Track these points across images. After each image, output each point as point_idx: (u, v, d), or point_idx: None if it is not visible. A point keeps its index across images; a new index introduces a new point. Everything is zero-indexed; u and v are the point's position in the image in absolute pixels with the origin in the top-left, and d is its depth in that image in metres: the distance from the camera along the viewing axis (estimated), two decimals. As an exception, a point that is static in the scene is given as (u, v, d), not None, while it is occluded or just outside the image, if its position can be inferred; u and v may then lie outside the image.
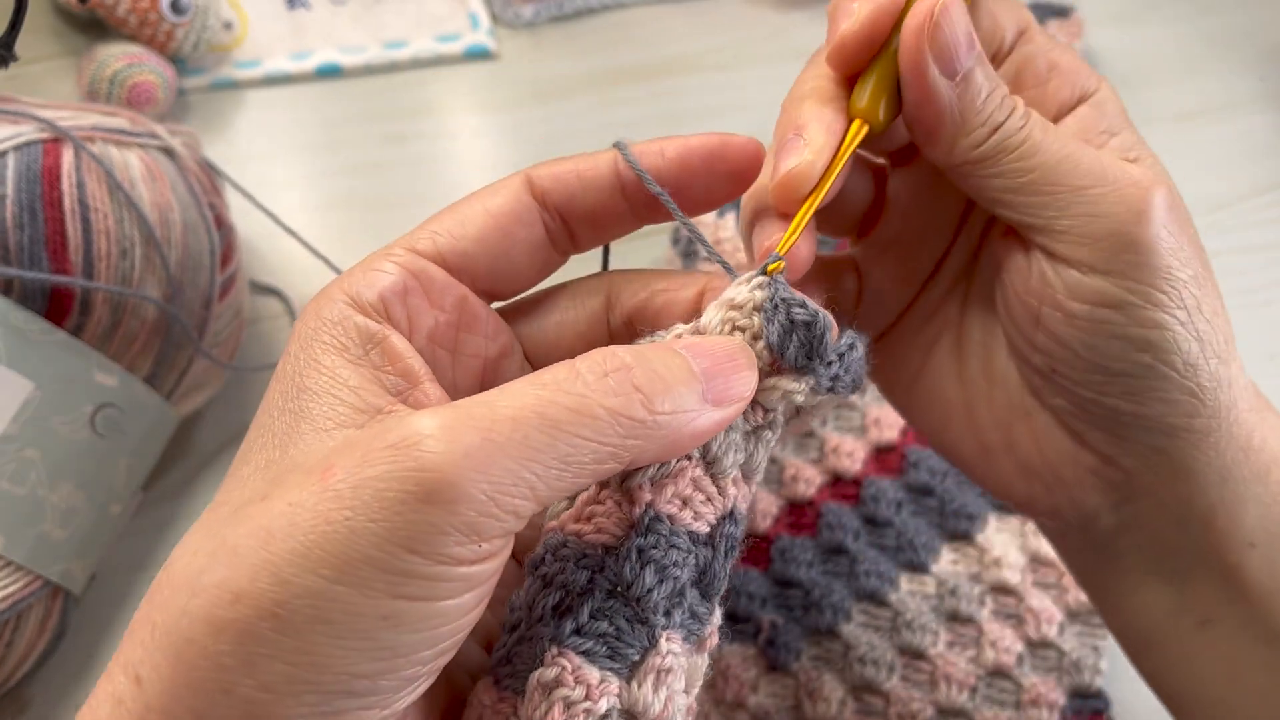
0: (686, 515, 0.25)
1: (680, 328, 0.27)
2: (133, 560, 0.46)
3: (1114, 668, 0.45)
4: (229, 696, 0.20)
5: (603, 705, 0.23)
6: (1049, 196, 0.29)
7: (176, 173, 0.45)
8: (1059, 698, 0.44)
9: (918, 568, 0.47)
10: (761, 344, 0.27)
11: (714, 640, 0.26)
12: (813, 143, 0.29)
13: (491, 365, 0.29)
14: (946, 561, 0.47)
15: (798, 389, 0.27)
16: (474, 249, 0.28)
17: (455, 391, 0.27)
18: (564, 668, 0.23)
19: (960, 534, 0.48)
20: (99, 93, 0.55)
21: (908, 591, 0.46)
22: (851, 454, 0.50)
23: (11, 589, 0.38)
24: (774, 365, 0.27)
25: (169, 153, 0.45)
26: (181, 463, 0.49)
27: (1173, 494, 0.31)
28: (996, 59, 0.32)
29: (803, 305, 0.27)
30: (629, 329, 0.30)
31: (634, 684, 0.23)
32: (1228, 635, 0.31)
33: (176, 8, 0.58)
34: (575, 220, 0.29)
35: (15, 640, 0.39)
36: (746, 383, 0.26)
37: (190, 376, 0.46)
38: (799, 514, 0.49)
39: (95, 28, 0.60)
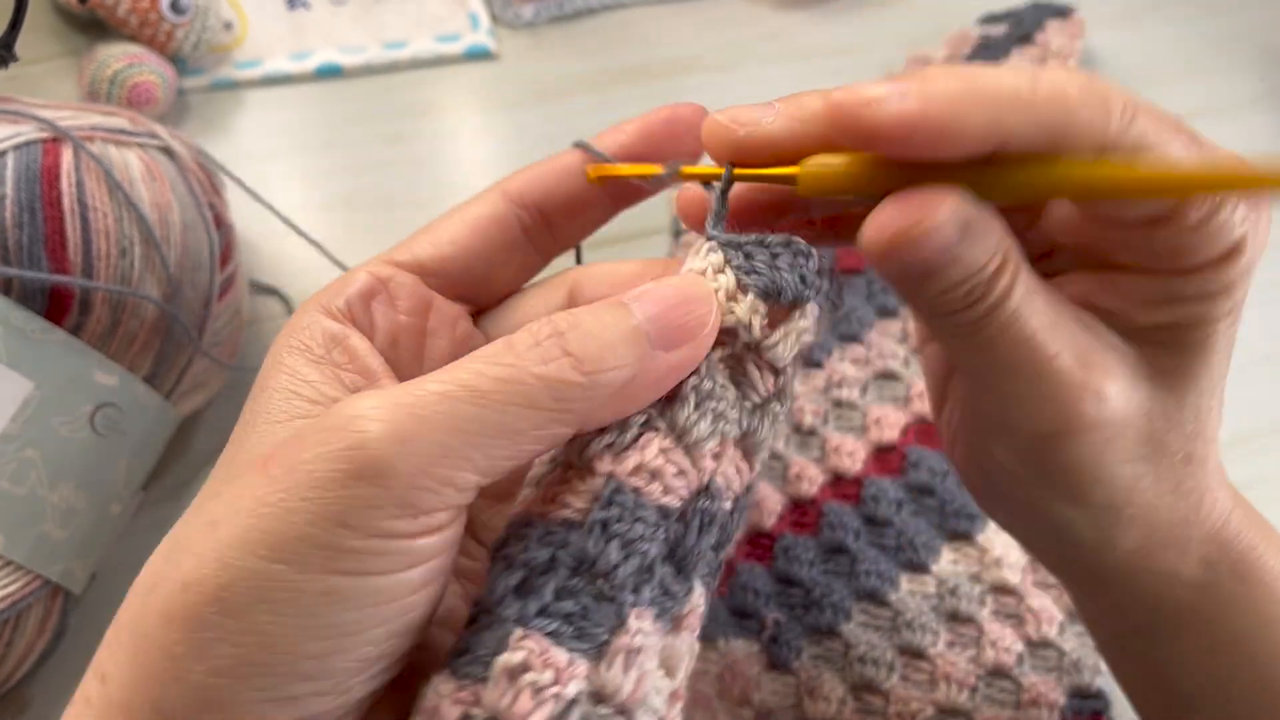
0: (655, 488, 0.24)
1: None
2: (133, 560, 0.45)
3: (1114, 668, 0.45)
4: (181, 684, 0.21)
5: (571, 689, 0.22)
6: (977, 383, 0.28)
7: (176, 172, 0.45)
8: (1059, 697, 0.44)
9: (918, 567, 0.47)
10: (750, 297, 0.25)
11: (694, 619, 0.25)
12: (781, 114, 0.26)
13: None
14: (947, 561, 0.47)
15: (806, 325, 0.26)
16: (450, 252, 0.29)
17: None
18: (530, 650, 0.22)
19: (960, 534, 0.48)
20: (99, 93, 0.55)
21: (908, 591, 0.46)
22: (852, 454, 0.50)
23: (11, 589, 0.38)
24: (770, 317, 0.26)
25: (169, 152, 0.45)
26: (181, 462, 0.49)
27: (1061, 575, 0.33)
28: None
29: (764, 239, 0.26)
30: None
31: (602, 665, 0.22)
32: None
33: (176, 8, 0.58)
34: (553, 213, 0.30)
35: (15, 640, 0.39)
36: (701, 316, 0.25)
37: (190, 376, 0.46)
38: (801, 512, 0.49)
39: (95, 28, 0.60)
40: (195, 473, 0.49)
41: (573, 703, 0.22)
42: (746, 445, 0.26)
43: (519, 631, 0.22)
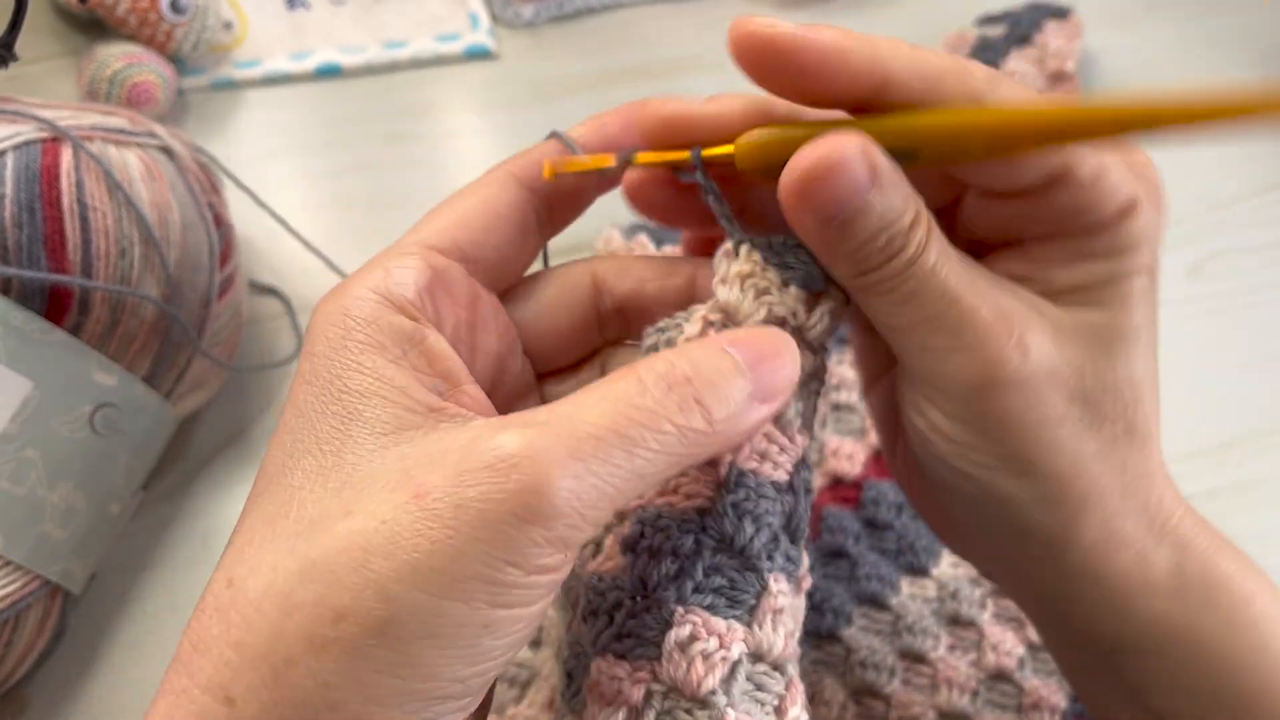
0: (767, 467, 0.27)
1: (700, 309, 0.28)
2: (133, 560, 0.46)
3: (1114, 669, 0.45)
4: (335, 713, 0.21)
5: (735, 651, 0.25)
6: (904, 341, 0.28)
7: (175, 172, 0.45)
8: (1060, 701, 0.44)
9: (918, 571, 0.47)
10: (793, 288, 0.28)
11: (808, 582, 0.28)
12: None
13: (503, 362, 0.30)
14: (947, 564, 0.47)
15: (832, 303, 0.28)
16: (483, 240, 0.29)
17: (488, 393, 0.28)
18: (695, 623, 0.25)
19: (960, 535, 0.48)
20: (99, 93, 0.55)
21: (908, 595, 0.46)
22: (851, 456, 0.50)
23: (11, 588, 0.38)
24: (808, 301, 0.28)
25: (168, 152, 0.45)
26: (181, 462, 0.49)
27: (1024, 597, 0.33)
28: (1002, 196, 0.28)
29: (785, 239, 0.28)
30: (620, 315, 0.32)
31: (755, 627, 0.26)
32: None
33: (176, 8, 0.58)
34: (557, 200, 0.30)
35: (15, 640, 0.39)
36: (790, 373, 0.26)
37: (190, 376, 0.46)
38: (799, 516, 0.49)
39: (95, 28, 0.60)
40: (195, 472, 0.49)
41: (737, 663, 0.25)
42: (806, 420, 0.29)
43: (680, 610, 0.25)
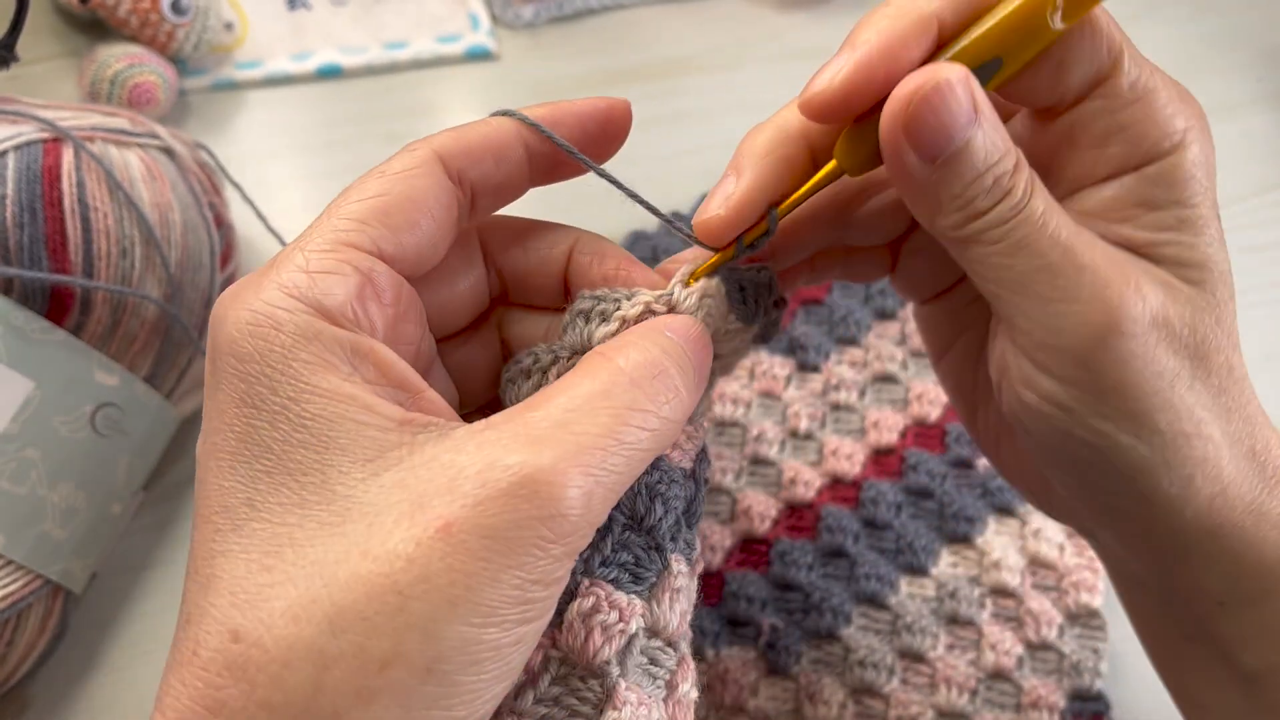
0: (676, 454, 0.29)
1: (644, 295, 0.29)
2: (133, 560, 0.46)
3: (1114, 670, 0.45)
4: None
5: (633, 625, 0.26)
6: (1017, 297, 0.27)
7: (176, 173, 0.45)
8: (1059, 700, 0.44)
9: (917, 570, 0.47)
10: (733, 316, 0.30)
11: (700, 566, 0.30)
12: (740, 188, 0.29)
13: (423, 348, 0.29)
14: (946, 564, 0.47)
15: (747, 330, 0.31)
16: (405, 239, 0.26)
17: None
18: (599, 596, 0.26)
19: (960, 537, 0.48)
20: (100, 93, 0.55)
21: (907, 594, 0.46)
22: (850, 457, 0.50)
23: (12, 588, 0.38)
24: (735, 327, 0.31)
25: (169, 153, 0.45)
26: (182, 462, 0.49)
27: (1135, 552, 0.32)
28: (1053, 112, 0.29)
29: (758, 273, 0.31)
30: (500, 279, 0.32)
31: (654, 604, 0.27)
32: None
33: (177, 8, 0.58)
34: (485, 191, 0.29)
35: (15, 640, 0.39)
36: (708, 351, 0.28)
37: (190, 376, 0.46)
38: (798, 517, 0.49)
39: (96, 28, 0.60)
40: (195, 472, 0.49)
41: (634, 637, 0.26)
42: (702, 414, 0.31)
43: (586, 581, 0.26)
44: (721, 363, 0.32)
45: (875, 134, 0.26)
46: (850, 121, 0.27)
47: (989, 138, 0.26)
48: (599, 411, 0.23)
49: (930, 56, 0.26)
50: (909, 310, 0.56)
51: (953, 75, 0.25)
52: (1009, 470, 0.35)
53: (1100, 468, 0.28)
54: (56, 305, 0.39)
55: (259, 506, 0.22)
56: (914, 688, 0.44)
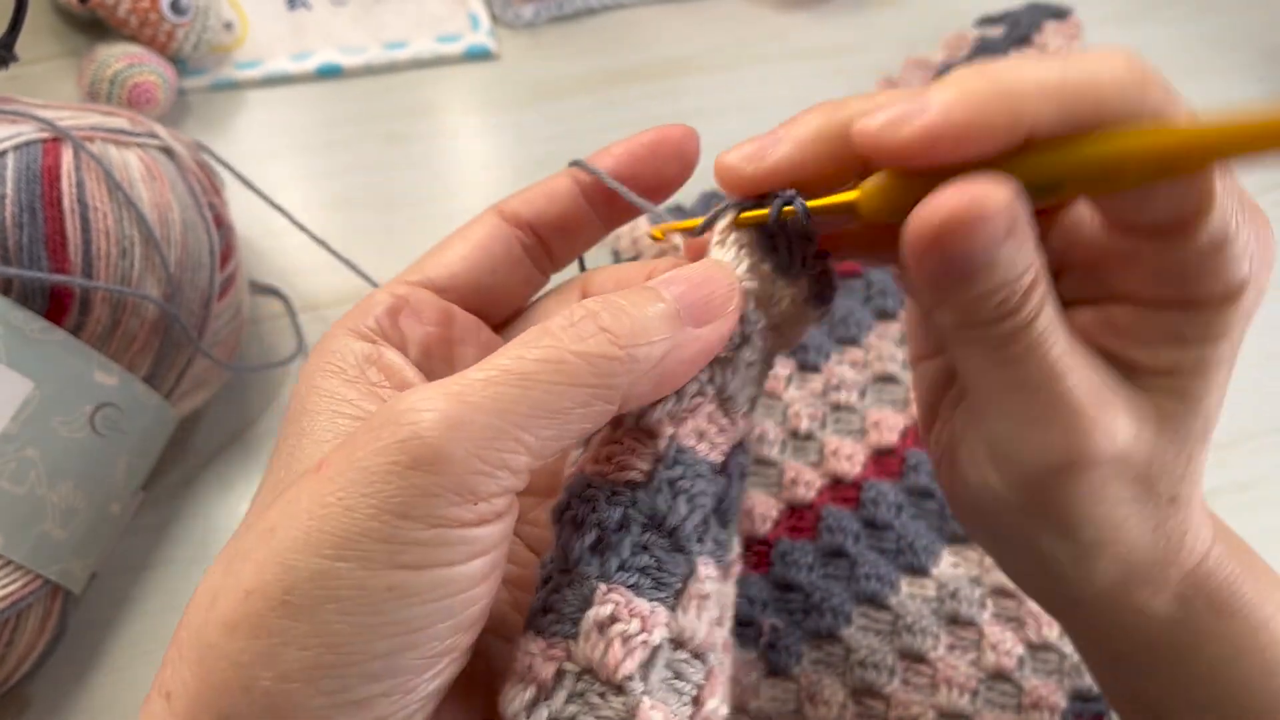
0: (704, 447, 0.26)
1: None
2: (133, 560, 0.46)
3: (1114, 669, 0.45)
4: (249, 693, 0.20)
5: (656, 636, 0.23)
6: (991, 402, 0.27)
7: (176, 172, 0.45)
8: (1060, 700, 0.44)
9: (918, 571, 0.47)
10: (766, 266, 0.27)
11: (737, 568, 0.27)
12: (771, 159, 0.26)
13: None
14: (947, 564, 0.47)
15: (794, 288, 0.28)
16: (460, 268, 0.30)
17: None
18: (617, 603, 0.23)
19: (960, 537, 0.48)
20: (99, 93, 0.55)
21: (908, 595, 0.46)
22: (851, 457, 0.50)
23: (11, 588, 0.38)
24: (780, 286, 0.28)
25: (169, 153, 0.45)
26: (181, 462, 0.49)
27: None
28: (1118, 226, 0.26)
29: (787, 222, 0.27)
30: None
31: (679, 612, 0.24)
32: None
33: (177, 8, 0.58)
34: (548, 234, 0.31)
35: (15, 640, 0.39)
36: (726, 296, 0.26)
37: (190, 376, 0.46)
38: (799, 517, 0.49)
39: (95, 28, 0.60)
40: (195, 472, 0.49)
41: (658, 649, 0.23)
42: (751, 403, 0.28)
43: (603, 587, 0.23)
44: (783, 337, 0.28)
45: (909, 197, 0.23)
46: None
47: (1013, 256, 0.23)
48: (496, 357, 0.23)
49: (1003, 150, 0.23)
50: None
51: (999, 201, 0.22)
52: (944, 490, 0.34)
53: (1015, 543, 0.30)
54: (56, 305, 0.39)
55: (263, 488, 0.26)
56: (915, 688, 0.44)
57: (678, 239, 0.30)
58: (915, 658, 0.45)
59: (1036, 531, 0.28)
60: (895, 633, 0.45)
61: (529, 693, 0.23)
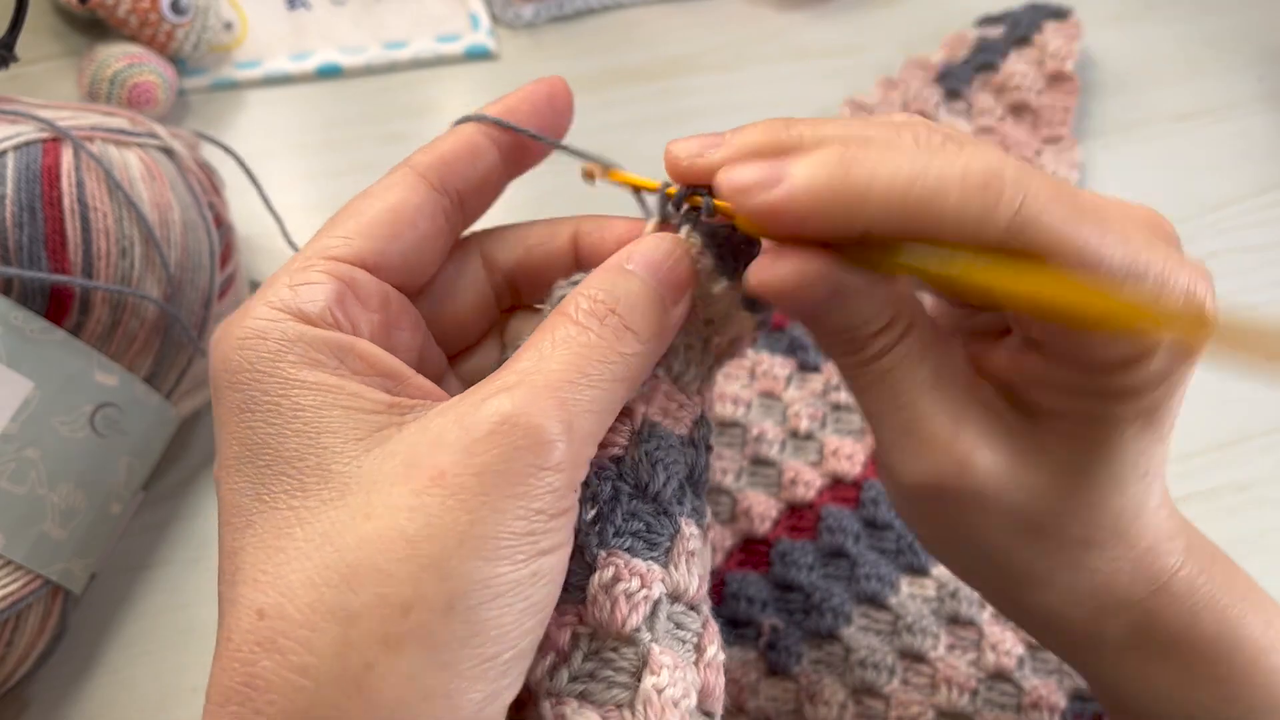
0: (669, 422, 0.29)
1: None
2: (133, 560, 0.46)
3: (1114, 669, 0.45)
4: (429, 701, 0.21)
5: (655, 591, 0.26)
6: (871, 424, 0.29)
7: (176, 172, 0.45)
8: (1060, 700, 0.44)
9: (918, 570, 0.47)
10: (716, 275, 0.29)
11: (712, 533, 0.30)
12: (725, 146, 0.27)
13: (425, 355, 0.30)
14: (946, 563, 0.47)
15: (732, 289, 0.30)
16: (388, 248, 0.28)
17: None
18: (618, 565, 0.26)
19: (960, 535, 0.48)
20: (99, 93, 0.55)
21: (908, 594, 0.46)
22: (851, 456, 0.50)
23: (11, 588, 0.38)
24: (722, 287, 0.30)
25: (169, 152, 0.45)
26: (182, 462, 0.49)
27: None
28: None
29: (730, 229, 0.29)
30: (511, 287, 0.32)
31: (671, 568, 0.27)
32: None
33: (177, 8, 0.58)
34: (469, 194, 0.31)
35: (15, 640, 0.39)
36: (686, 267, 0.28)
37: (190, 376, 0.46)
38: (799, 517, 0.49)
39: (95, 28, 0.60)
40: (195, 472, 0.49)
41: (658, 602, 0.26)
42: (702, 381, 0.31)
43: (603, 554, 0.26)
44: (721, 336, 0.31)
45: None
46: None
47: (845, 311, 0.26)
48: (558, 353, 0.24)
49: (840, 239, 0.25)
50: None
51: (811, 276, 0.25)
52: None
53: (949, 558, 0.32)
54: (56, 305, 0.39)
55: (265, 499, 0.24)
56: (915, 688, 0.44)
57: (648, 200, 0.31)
58: (915, 657, 0.45)
59: (936, 551, 0.31)
60: (895, 632, 0.45)
61: (549, 659, 0.25)
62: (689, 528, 0.28)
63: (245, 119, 0.62)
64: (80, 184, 0.40)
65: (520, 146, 0.31)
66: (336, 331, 0.26)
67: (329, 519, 0.22)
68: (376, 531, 0.22)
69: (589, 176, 0.31)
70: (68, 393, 0.39)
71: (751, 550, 0.48)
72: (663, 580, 0.26)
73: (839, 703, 0.43)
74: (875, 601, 0.46)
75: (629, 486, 0.27)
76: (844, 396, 0.52)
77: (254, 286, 0.54)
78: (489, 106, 0.31)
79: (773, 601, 0.46)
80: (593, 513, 0.26)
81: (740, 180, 0.25)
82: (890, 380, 0.28)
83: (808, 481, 0.49)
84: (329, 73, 0.64)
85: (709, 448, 0.30)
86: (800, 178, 0.24)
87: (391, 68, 0.66)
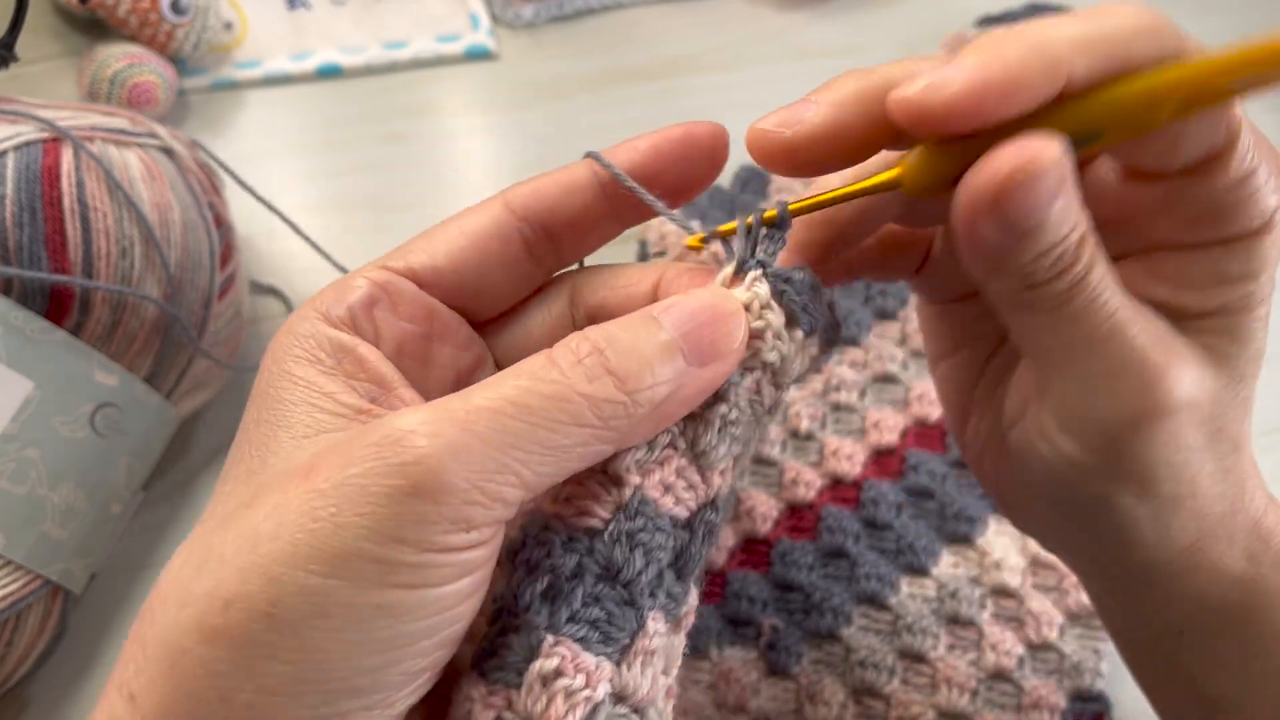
0: (668, 501, 0.25)
1: None
2: (133, 560, 0.46)
3: (1114, 670, 0.45)
4: (228, 704, 0.20)
5: (600, 692, 0.23)
6: (1057, 365, 0.27)
7: (176, 172, 0.45)
8: (1060, 700, 0.44)
9: (918, 571, 0.47)
10: (799, 333, 0.26)
11: (689, 620, 0.26)
12: (821, 104, 0.25)
13: (464, 376, 0.29)
14: (947, 564, 0.47)
15: (814, 350, 0.27)
16: (445, 264, 0.27)
17: (429, 400, 0.27)
18: (564, 656, 0.23)
19: (960, 537, 0.48)
20: (99, 93, 0.55)
21: (908, 595, 0.46)
22: (851, 457, 0.50)
23: (11, 588, 0.38)
24: (797, 340, 0.27)
25: (169, 152, 0.45)
26: (182, 462, 0.49)
27: (1103, 578, 0.32)
28: (1150, 176, 0.27)
29: (801, 280, 0.26)
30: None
31: (623, 667, 0.24)
32: None
33: (177, 8, 0.58)
34: (559, 229, 0.29)
35: (15, 640, 0.39)
36: (732, 333, 0.25)
37: (190, 376, 0.46)
38: (799, 517, 0.49)
39: (95, 28, 0.60)
40: (195, 472, 0.49)
41: (599, 704, 0.23)
42: (741, 458, 0.27)
43: (550, 638, 0.23)
44: (781, 388, 0.28)
45: (956, 164, 0.23)
46: (931, 138, 0.24)
47: (1064, 211, 0.24)
48: (507, 382, 0.22)
49: (1041, 107, 0.23)
50: (909, 310, 0.56)
51: (1052, 156, 0.22)
52: (990, 483, 0.34)
53: (1091, 512, 0.29)
54: (56, 305, 0.39)
55: (227, 480, 0.24)
56: (915, 688, 0.44)
57: (717, 247, 0.29)
58: (915, 658, 0.45)
59: (1116, 493, 0.28)
60: (895, 633, 0.45)
61: None
62: (655, 623, 0.24)
63: (245, 119, 0.62)
64: (80, 184, 0.40)
65: (631, 195, 0.28)
66: (345, 332, 0.26)
67: (231, 505, 0.23)
68: (244, 524, 0.21)
69: (695, 248, 0.30)
70: (68, 393, 0.39)
71: (752, 550, 0.48)
72: (611, 680, 0.23)
73: (839, 703, 0.43)
74: (875, 602, 0.46)
75: (598, 567, 0.24)
76: (844, 396, 0.52)
77: (254, 286, 0.54)
78: (619, 147, 0.29)
79: (773, 601, 0.46)
80: (544, 584, 0.24)
81: (924, 83, 0.22)
82: (1102, 300, 0.25)
83: (808, 482, 0.49)
84: (329, 73, 0.64)
85: (710, 533, 0.27)
86: (986, 53, 0.22)
87: (391, 68, 0.66)
